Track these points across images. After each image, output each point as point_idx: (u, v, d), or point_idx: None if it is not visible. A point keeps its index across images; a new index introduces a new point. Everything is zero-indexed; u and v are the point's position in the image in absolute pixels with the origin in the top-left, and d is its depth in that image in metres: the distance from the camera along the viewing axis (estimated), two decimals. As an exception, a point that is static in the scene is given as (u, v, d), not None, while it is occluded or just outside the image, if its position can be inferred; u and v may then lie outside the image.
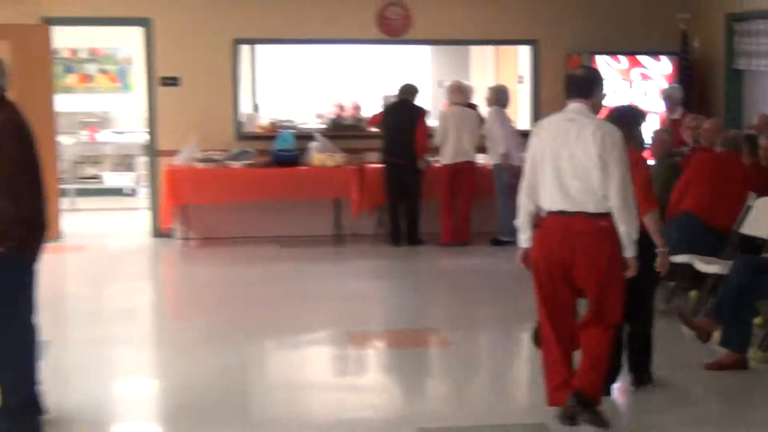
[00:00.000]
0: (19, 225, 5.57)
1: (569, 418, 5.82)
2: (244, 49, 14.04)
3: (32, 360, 5.89)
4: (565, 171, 5.73)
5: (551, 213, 5.81)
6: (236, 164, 12.16)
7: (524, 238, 5.96)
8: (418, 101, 12.35)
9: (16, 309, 5.74)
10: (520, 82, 14.27)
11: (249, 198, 12.18)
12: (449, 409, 6.64)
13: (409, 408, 6.70)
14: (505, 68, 15.89)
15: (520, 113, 14.04)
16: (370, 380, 7.51)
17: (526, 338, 7.48)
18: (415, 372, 7.47)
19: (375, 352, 8.17)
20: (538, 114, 13.16)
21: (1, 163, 5.48)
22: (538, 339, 6.13)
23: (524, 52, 13.88)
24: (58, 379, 6.15)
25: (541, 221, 5.89)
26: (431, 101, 15.29)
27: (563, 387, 5.88)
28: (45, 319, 6.08)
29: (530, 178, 5.89)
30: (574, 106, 5.88)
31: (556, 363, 5.92)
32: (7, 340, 5.75)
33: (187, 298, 10.15)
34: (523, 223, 5.95)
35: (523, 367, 7.90)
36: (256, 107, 15.64)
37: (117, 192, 16.41)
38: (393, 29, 12.94)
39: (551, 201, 5.80)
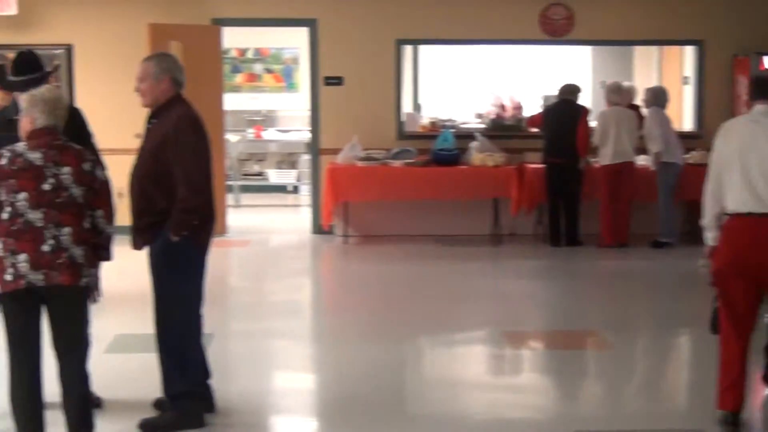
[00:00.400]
0: (194, 213, 5.78)
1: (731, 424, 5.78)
2: (407, 48, 14.16)
3: (197, 350, 6.09)
4: (754, 173, 5.68)
5: (738, 215, 5.76)
6: (397, 163, 12.28)
7: (711, 237, 5.96)
8: (580, 101, 12.26)
9: (183, 297, 5.94)
10: (685, 83, 14.00)
11: (408, 196, 12.29)
12: (605, 412, 6.58)
13: (564, 410, 6.67)
14: (669, 69, 15.60)
15: (685, 114, 13.79)
16: (526, 380, 7.50)
17: (684, 342, 7.38)
18: (571, 373, 7.43)
19: (531, 353, 8.15)
20: (702, 116, 12.92)
21: (180, 153, 5.70)
22: (716, 327, 6.06)
23: (689, 53, 13.62)
24: (219, 371, 6.32)
25: (726, 223, 5.84)
26: (592, 102, 15.14)
27: (732, 388, 5.82)
28: (209, 312, 6.27)
29: (716, 180, 5.87)
30: (761, 107, 5.84)
31: (730, 362, 5.88)
32: (173, 328, 5.94)
33: (345, 294, 10.31)
34: (709, 223, 5.95)
35: (681, 371, 7.79)
36: (418, 107, 15.75)
37: (280, 189, 16.77)
38: (555, 30, 12.88)
39: (739, 203, 5.75)
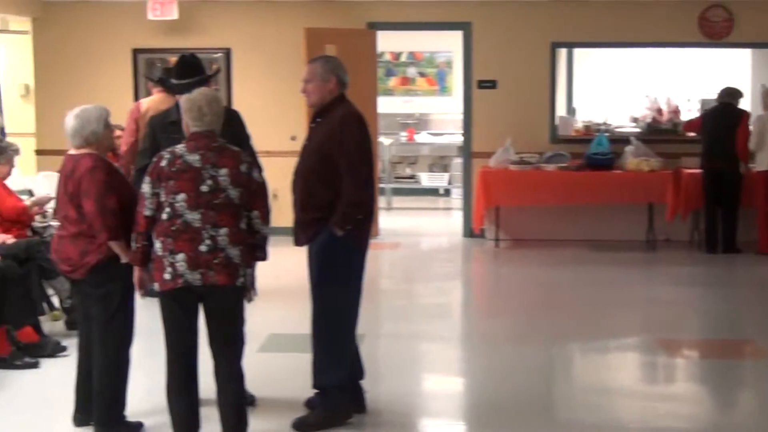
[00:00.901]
0: (358, 207, 5.86)
1: None
2: (561, 51, 14.03)
3: (351, 347, 6.14)
4: None
5: None
6: (550, 167, 12.18)
7: None
8: (740, 106, 11.96)
9: (343, 294, 5.99)
10: None
11: (561, 201, 12.17)
12: (761, 424, 6.40)
13: (719, 420, 6.52)
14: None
15: None
16: (679, 390, 7.34)
17: None
18: (728, 383, 7.24)
19: (686, 362, 7.99)
20: None
21: (346, 148, 5.79)
22: None
23: None
24: (369, 372, 6.36)
25: None
26: (751, 106, 14.72)
27: None
28: (360, 313, 6.31)
29: None
30: None
31: None
32: (330, 323, 6.00)
33: (495, 298, 10.28)
34: None
35: None
36: (572, 110, 15.59)
37: (432, 192, 16.81)
38: (715, 32, 12.59)
39: None
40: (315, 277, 5.98)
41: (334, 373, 6.01)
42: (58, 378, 6.94)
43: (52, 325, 8.29)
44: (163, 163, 5.20)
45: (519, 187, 12.12)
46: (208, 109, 5.29)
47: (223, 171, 5.19)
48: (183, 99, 5.42)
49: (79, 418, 5.94)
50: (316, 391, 6.15)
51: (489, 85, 12.72)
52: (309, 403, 6.28)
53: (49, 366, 7.29)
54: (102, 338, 5.73)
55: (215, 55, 12.51)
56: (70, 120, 5.77)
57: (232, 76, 12.77)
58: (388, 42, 15.09)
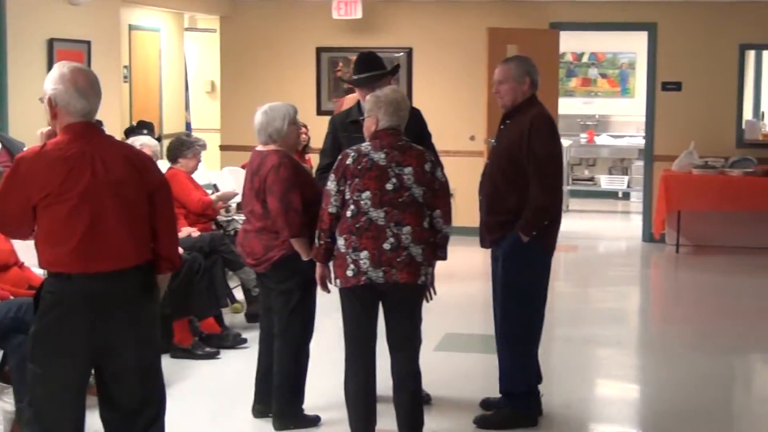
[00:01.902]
0: (545, 213, 5.82)
1: None
2: (750, 54, 13.62)
3: (536, 351, 6.10)
4: None
5: None
6: (735, 172, 11.83)
7: None
8: None
9: (530, 298, 5.95)
10: None
11: (746, 207, 11.82)
12: None
13: None
14: None
15: None
16: None
17: None
18: None
19: None
20: None
21: (535, 152, 5.75)
22: None
23: None
24: (543, 376, 6.30)
25: None
26: None
27: None
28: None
29: None
30: None
31: None
32: (517, 327, 5.96)
33: (674, 304, 10.05)
34: None
35: None
36: (760, 114, 15.11)
37: (610, 195, 16.56)
38: None
39: None
40: (501, 281, 5.96)
41: (521, 377, 5.99)
42: (237, 369, 7.12)
43: (232, 317, 8.50)
44: (349, 160, 5.26)
45: (702, 192, 11.82)
46: (394, 107, 5.32)
47: (408, 169, 5.22)
48: (372, 96, 5.44)
49: (259, 410, 6.07)
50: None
51: (674, 86, 12.45)
52: (485, 404, 6.27)
53: (228, 357, 7.49)
54: (283, 332, 5.84)
55: (397, 55, 12.59)
56: (258, 116, 5.90)
57: (413, 75, 12.84)
58: (569, 42, 14.94)
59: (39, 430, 4.26)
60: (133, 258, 4.23)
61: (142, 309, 4.31)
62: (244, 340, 7.68)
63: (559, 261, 11.62)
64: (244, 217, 6.16)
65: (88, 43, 10.29)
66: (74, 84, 4.19)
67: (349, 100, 8.99)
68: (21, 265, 6.45)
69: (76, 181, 4.11)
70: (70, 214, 4.09)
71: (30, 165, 4.13)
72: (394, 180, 5.20)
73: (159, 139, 10.70)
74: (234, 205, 9.32)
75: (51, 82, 4.22)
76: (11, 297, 5.89)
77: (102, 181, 4.15)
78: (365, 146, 5.31)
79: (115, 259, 4.18)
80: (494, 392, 6.19)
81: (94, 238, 4.12)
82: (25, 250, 6.61)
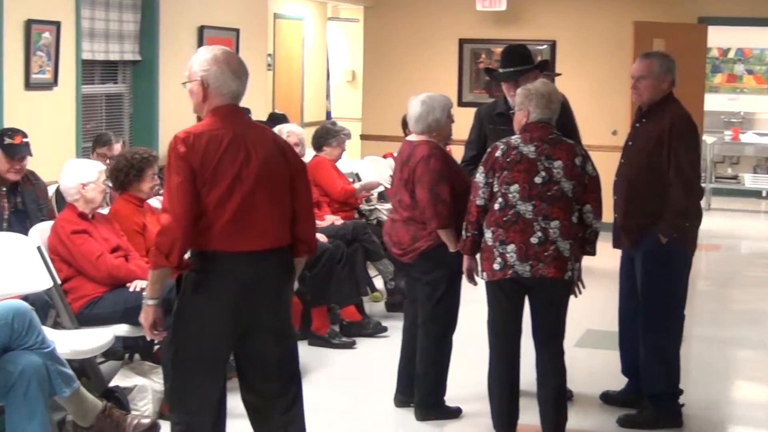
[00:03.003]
0: (686, 216, 5.74)
1: None
2: None
3: (678, 352, 6.00)
4: None
5: None
6: None
7: None
8: None
9: (671, 299, 5.86)
10: None
11: None
12: None
13: None
14: None
15: None
16: None
17: None
18: None
19: None
20: None
21: (676, 153, 5.66)
22: None
23: None
24: (681, 376, 6.19)
25: None
26: None
27: None
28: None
29: None
30: None
31: None
32: (660, 328, 5.87)
33: None
34: None
35: None
36: None
37: (755, 194, 16.18)
38: None
39: None
40: (642, 281, 5.88)
41: (665, 379, 5.91)
42: (376, 358, 7.18)
43: (372, 306, 8.56)
44: (498, 153, 5.24)
45: None
46: (546, 100, 5.28)
47: (557, 163, 5.18)
48: (523, 89, 5.41)
49: (401, 400, 6.11)
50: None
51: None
52: (605, 397, 6.28)
53: (367, 346, 7.54)
54: (426, 322, 5.86)
55: (540, 47, 12.49)
56: (416, 105, 5.88)
57: (556, 68, 12.72)
58: (715, 37, 14.61)
59: (181, 412, 4.31)
60: (277, 240, 4.26)
61: (282, 291, 4.34)
62: (385, 329, 7.73)
63: (700, 260, 11.39)
64: (387, 207, 6.19)
65: (237, 31, 10.48)
66: (228, 65, 4.23)
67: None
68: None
69: (231, 161, 4.13)
70: (222, 194, 4.11)
71: (189, 145, 4.11)
72: (543, 173, 5.16)
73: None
74: (376, 195, 9.38)
75: (202, 64, 4.22)
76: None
77: (254, 163, 4.18)
78: (515, 139, 5.29)
79: (262, 239, 4.19)
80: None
81: (243, 218, 4.14)
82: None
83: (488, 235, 5.22)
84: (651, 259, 5.79)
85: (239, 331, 4.22)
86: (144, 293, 4.21)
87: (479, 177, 5.28)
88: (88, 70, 8.72)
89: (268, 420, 4.39)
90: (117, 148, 7.69)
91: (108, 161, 7.20)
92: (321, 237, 7.23)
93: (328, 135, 8.67)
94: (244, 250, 4.14)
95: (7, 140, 6.43)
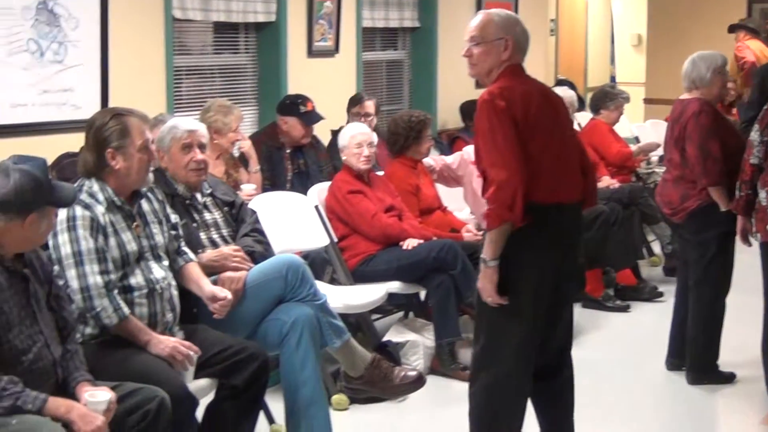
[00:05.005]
0: None
1: None
2: None
3: None
4: None
5: None
6: None
7: None
8: None
9: None
10: None
11: None
12: None
13: None
14: None
15: None
16: None
17: None
18: None
19: None
20: None
21: None
22: None
23: None
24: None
25: None
26: None
27: None
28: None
29: None
30: None
31: None
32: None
33: None
34: None
35: None
36: None
37: None
38: None
39: None
40: None
41: None
42: (650, 322, 7.06)
43: (650, 270, 8.42)
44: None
45: None
46: None
47: None
48: None
49: (672, 363, 5.99)
50: None
51: None
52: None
53: (642, 310, 7.44)
54: (698, 284, 5.72)
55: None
56: (686, 63, 5.78)
57: None
58: None
59: (504, 368, 4.17)
60: (581, 192, 4.27)
61: (580, 244, 4.33)
62: (661, 294, 7.59)
63: None
64: (664, 169, 6.08)
65: (517, -4, 10.52)
66: (523, 26, 4.25)
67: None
68: (444, 209, 6.75)
69: (544, 114, 4.11)
70: (543, 145, 4.08)
71: (507, 99, 4.06)
72: None
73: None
74: (656, 158, 9.19)
75: (507, 23, 4.19)
76: (434, 238, 6.16)
77: (561, 116, 4.24)
78: None
79: (576, 191, 4.22)
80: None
81: (561, 169, 4.13)
82: (447, 195, 6.97)
83: (762, 195, 5.02)
84: None
85: (559, 280, 4.18)
86: (483, 256, 4.10)
87: (754, 135, 5.09)
88: (369, 37, 8.97)
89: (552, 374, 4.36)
90: (368, 105, 7.65)
91: (362, 119, 7.34)
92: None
93: (606, 98, 8.58)
94: (564, 201, 4.15)
95: (303, 108, 6.77)
